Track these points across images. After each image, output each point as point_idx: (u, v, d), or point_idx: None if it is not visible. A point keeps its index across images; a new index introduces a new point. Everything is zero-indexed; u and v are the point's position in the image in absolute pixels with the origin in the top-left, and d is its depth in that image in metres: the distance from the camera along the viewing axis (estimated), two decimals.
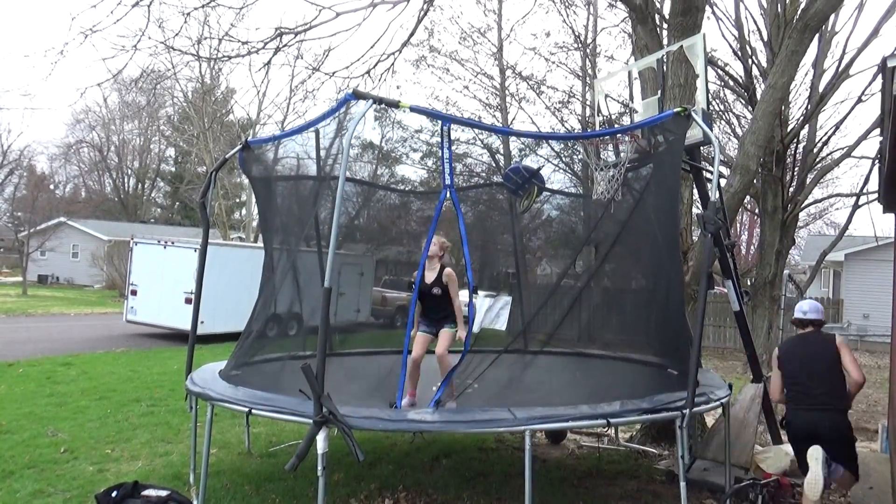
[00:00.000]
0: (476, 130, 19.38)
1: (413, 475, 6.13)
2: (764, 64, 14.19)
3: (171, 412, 8.20)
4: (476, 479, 6.07)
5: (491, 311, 5.89)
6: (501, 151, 22.08)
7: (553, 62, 20.53)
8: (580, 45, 19.95)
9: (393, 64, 9.74)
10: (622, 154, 6.42)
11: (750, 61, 14.22)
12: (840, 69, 13.55)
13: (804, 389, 5.04)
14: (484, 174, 21.58)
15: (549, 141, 18.31)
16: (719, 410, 5.90)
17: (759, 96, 11.16)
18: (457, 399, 5.52)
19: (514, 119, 22.68)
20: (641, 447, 7.45)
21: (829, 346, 5.09)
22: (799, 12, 9.03)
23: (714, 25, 14.50)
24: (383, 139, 25.20)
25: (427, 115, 5.37)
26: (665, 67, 6.87)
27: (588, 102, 19.26)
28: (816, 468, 4.55)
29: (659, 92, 6.69)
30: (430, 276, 5.76)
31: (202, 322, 7.80)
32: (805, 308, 5.32)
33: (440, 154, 5.26)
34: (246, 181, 30.70)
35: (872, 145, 13.68)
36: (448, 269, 5.78)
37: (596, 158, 6.67)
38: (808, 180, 15.06)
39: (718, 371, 11.89)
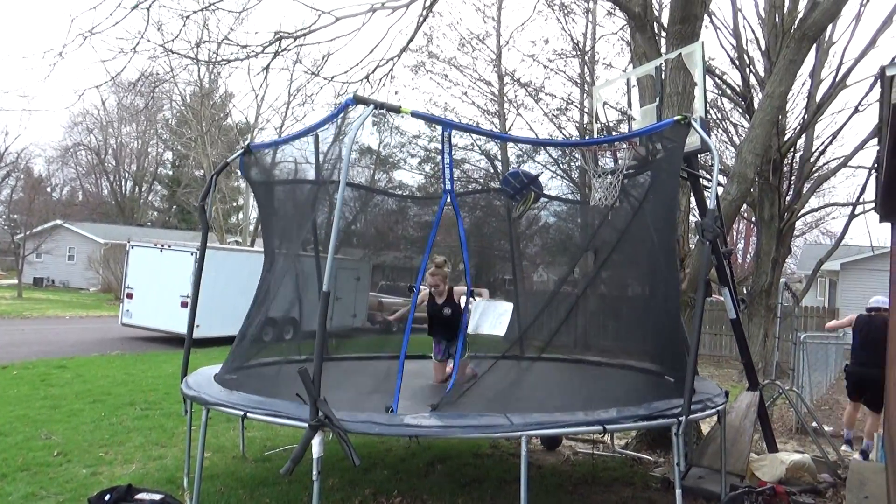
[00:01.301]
0: (474, 136, 19.40)
1: (408, 480, 6.11)
2: (761, 73, 14.27)
3: (165, 416, 8.17)
4: (471, 485, 6.05)
5: (488, 316, 5.87)
6: (499, 157, 22.11)
7: (551, 69, 20.58)
8: (579, 53, 20.03)
9: (392, 69, 9.75)
10: (620, 161, 6.43)
11: (748, 70, 14.31)
12: (837, 79, 13.64)
13: (865, 353, 7.92)
14: (481, 180, 21.60)
15: (548, 148, 18.36)
16: (715, 418, 5.90)
17: (756, 105, 11.22)
18: (453, 405, 5.50)
19: (512, 125, 22.73)
20: (637, 454, 7.44)
21: (885, 326, 7.64)
22: (797, 22, 9.10)
23: (712, 34, 14.58)
24: (381, 144, 25.25)
25: (428, 120, 5.37)
26: (663, 75, 6.89)
27: (586, 109, 19.31)
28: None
29: (657, 100, 6.70)
30: (440, 300, 6.14)
31: (198, 326, 7.77)
32: (880, 299, 8.19)
33: (439, 159, 5.27)
34: (244, 185, 30.72)
35: (869, 155, 13.76)
36: (456, 288, 5.94)
37: (594, 165, 6.68)
38: (805, 189, 15.13)
39: (714, 379, 11.90)
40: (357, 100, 4.62)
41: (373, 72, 9.54)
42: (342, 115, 5.08)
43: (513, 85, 21.80)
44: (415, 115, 4.88)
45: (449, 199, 5.15)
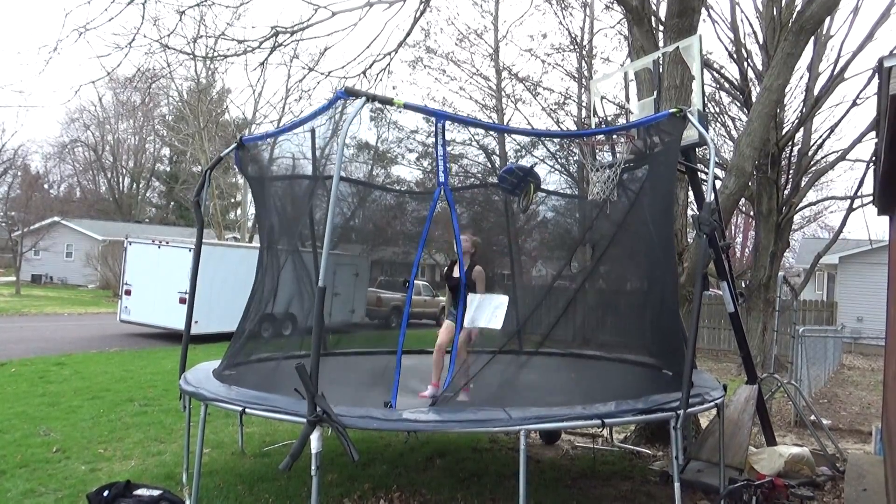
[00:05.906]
0: (472, 131, 19.35)
1: (407, 475, 6.11)
2: (759, 66, 14.26)
3: (164, 412, 8.17)
4: (470, 480, 6.05)
5: (484, 310, 5.86)
6: (497, 152, 22.08)
7: (549, 63, 20.56)
8: (576, 47, 20.00)
9: (389, 64, 9.74)
10: (618, 155, 6.42)
11: (745, 64, 14.30)
12: (835, 72, 13.63)
13: None
14: (480, 175, 21.57)
15: (545, 142, 18.30)
16: (713, 411, 5.91)
17: (754, 98, 11.20)
18: (451, 401, 5.48)
19: (509, 120, 22.67)
20: (635, 448, 7.45)
21: None
22: (794, 15, 9.07)
23: (710, 28, 14.64)
24: (379, 139, 25.18)
25: (421, 111, 5.33)
26: (661, 69, 6.87)
27: (584, 104, 19.29)
28: None
29: (655, 93, 6.69)
30: (458, 272, 5.89)
31: (196, 322, 7.77)
32: None
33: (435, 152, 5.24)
34: (241, 181, 30.68)
35: (867, 148, 13.73)
36: (478, 268, 5.89)
37: (592, 159, 6.67)
38: (803, 183, 15.14)
39: (713, 372, 11.90)
40: (349, 92, 4.59)
41: (370, 67, 9.52)
42: (339, 110, 5.06)
43: (510, 79, 21.78)
44: (407, 106, 4.85)
45: (443, 192, 5.13)
